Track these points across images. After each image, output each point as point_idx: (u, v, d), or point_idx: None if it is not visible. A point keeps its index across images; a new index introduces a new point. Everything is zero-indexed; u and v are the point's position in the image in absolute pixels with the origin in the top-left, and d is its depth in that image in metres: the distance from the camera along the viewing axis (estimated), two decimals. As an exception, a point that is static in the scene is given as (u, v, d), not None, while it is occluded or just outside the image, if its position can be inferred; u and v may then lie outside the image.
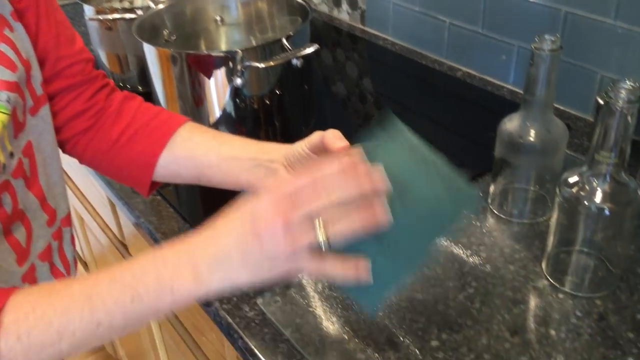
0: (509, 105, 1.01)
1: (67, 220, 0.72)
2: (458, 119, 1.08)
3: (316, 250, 0.46)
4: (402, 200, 0.47)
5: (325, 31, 1.46)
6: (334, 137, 0.56)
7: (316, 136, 0.58)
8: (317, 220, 0.45)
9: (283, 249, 0.46)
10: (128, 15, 1.07)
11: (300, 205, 0.45)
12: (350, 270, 0.47)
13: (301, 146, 0.60)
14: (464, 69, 1.21)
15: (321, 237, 0.45)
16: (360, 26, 1.43)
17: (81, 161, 0.74)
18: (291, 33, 0.91)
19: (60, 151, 0.72)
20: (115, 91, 0.74)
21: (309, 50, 0.89)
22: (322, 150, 0.57)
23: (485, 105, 1.12)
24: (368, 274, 0.47)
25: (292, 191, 0.46)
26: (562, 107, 1.05)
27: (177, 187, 0.92)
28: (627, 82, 0.59)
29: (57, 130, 0.69)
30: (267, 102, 0.95)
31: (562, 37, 1.00)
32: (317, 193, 0.45)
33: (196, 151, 0.68)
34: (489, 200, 0.84)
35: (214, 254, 0.49)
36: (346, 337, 0.66)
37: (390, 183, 0.46)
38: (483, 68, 1.18)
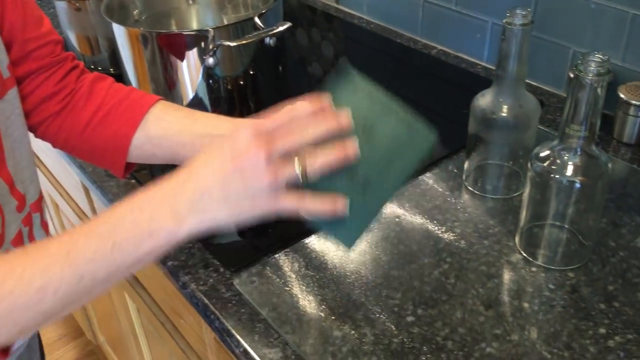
0: (484, 82, 1.01)
1: (38, 205, 0.71)
2: (433, 97, 1.08)
3: (294, 187, 0.48)
4: (367, 138, 0.51)
5: (299, 11, 1.45)
6: (302, 106, 0.56)
7: (286, 109, 0.58)
8: (294, 155, 0.47)
9: (265, 183, 0.47)
10: (97, -5, 1.05)
11: (278, 140, 0.47)
12: (328, 205, 0.49)
13: None
14: (439, 46, 1.21)
15: (299, 171, 0.47)
16: (335, 5, 1.42)
17: (54, 145, 0.72)
18: (263, 11, 0.90)
19: (30, 135, 0.70)
20: (85, 72, 0.72)
21: (282, 28, 0.88)
22: None
23: (460, 83, 1.12)
24: (344, 207, 0.50)
25: (269, 128, 0.48)
26: (535, 83, 1.06)
27: (152, 170, 0.91)
28: (597, 55, 0.59)
29: (28, 114, 0.68)
30: (241, 82, 0.94)
31: (535, 13, 1.00)
32: (292, 131, 0.48)
33: (169, 130, 0.67)
34: (464, 177, 0.84)
35: (192, 192, 0.48)
36: (323, 315, 0.67)
37: (354, 123, 0.50)
38: (457, 45, 1.18)
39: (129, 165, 0.71)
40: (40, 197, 0.72)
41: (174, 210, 0.48)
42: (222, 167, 0.48)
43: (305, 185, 0.49)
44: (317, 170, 0.48)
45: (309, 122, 0.48)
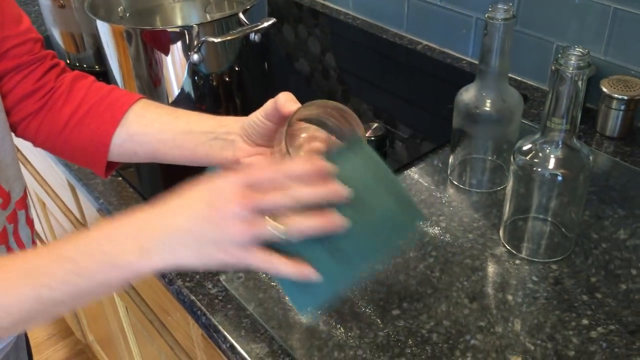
0: (469, 77, 1.01)
1: (22, 202, 0.71)
2: (419, 92, 1.09)
3: (264, 246, 0.47)
4: (355, 210, 0.48)
5: (286, 7, 1.45)
6: (285, 100, 0.56)
7: (269, 103, 0.58)
8: (275, 214, 0.46)
9: (237, 236, 0.46)
10: (81, -7, 1.04)
11: (260, 196, 0.46)
12: (297, 270, 0.47)
13: (256, 115, 0.60)
14: (424, 42, 1.22)
15: (277, 231, 0.46)
16: (321, 1, 1.42)
17: (35, 144, 0.72)
18: (248, 7, 0.90)
19: (12, 134, 0.70)
20: (66, 71, 0.72)
21: (266, 24, 0.88)
22: (276, 116, 0.57)
23: (445, 78, 1.12)
24: (313, 275, 0.48)
25: (255, 181, 0.46)
26: (519, 78, 1.06)
27: (138, 167, 0.91)
28: (577, 48, 0.60)
29: (8, 112, 0.68)
30: (227, 79, 0.94)
31: (519, 8, 1.01)
32: (279, 189, 0.46)
33: (150, 127, 0.67)
34: (448, 171, 0.85)
35: (163, 231, 0.48)
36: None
37: (347, 192, 0.47)
38: (443, 41, 1.18)
39: (111, 165, 0.70)
40: (25, 195, 0.71)
41: (142, 247, 0.48)
42: (198, 213, 0.47)
43: (279, 244, 0.47)
44: (295, 235, 0.46)
45: (300, 183, 0.46)
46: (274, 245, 0.47)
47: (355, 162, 0.51)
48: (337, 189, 0.47)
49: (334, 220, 0.47)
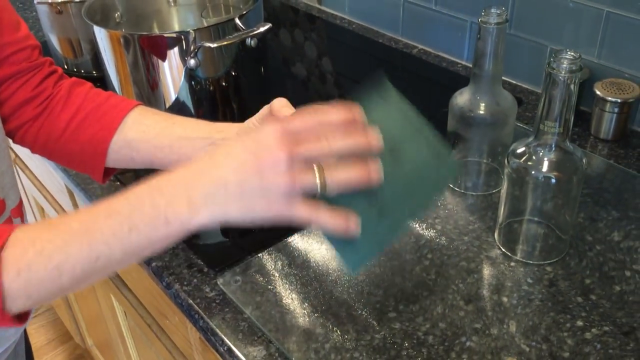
0: (464, 80, 1.02)
1: (18, 210, 0.71)
2: (414, 96, 1.08)
3: (310, 196, 0.47)
4: (393, 162, 0.48)
5: (282, 12, 1.45)
6: (280, 105, 0.56)
7: (264, 109, 0.59)
8: (316, 164, 0.46)
9: (282, 186, 0.46)
10: (78, -2, 1.05)
11: (303, 145, 0.46)
12: (340, 221, 0.48)
13: (252, 121, 0.60)
14: (420, 46, 1.23)
15: (318, 181, 0.46)
16: (317, 6, 1.43)
17: (33, 150, 0.72)
18: (244, 12, 0.90)
19: (9, 141, 0.70)
20: (63, 78, 0.73)
21: (262, 29, 0.89)
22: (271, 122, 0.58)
23: (440, 82, 1.13)
24: (357, 228, 0.48)
25: (296, 129, 0.46)
26: (514, 81, 1.07)
27: (136, 172, 0.91)
28: (569, 52, 0.61)
29: (5, 119, 0.68)
30: (223, 83, 0.95)
31: (513, 12, 1.01)
32: (319, 138, 0.46)
33: (148, 133, 0.67)
34: (444, 174, 0.85)
35: (210, 183, 0.48)
36: (306, 313, 0.67)
37: (383, 142, 0.47)
38: (438, 45, 1.19)
39: (109, 171, 0.71)
40: (21, 202, 0.72)
41: (190, 200, 0.48)
42: (243, 163, 0.47)
43: (320, 197, 0.47)
44: (336, 186, 0.47)
45: (338, 132, 0.47)
46: (316, 196, 0.47)
47: (389, 110, 0.50)
48: (374, 139, 0.47)
49: (373, 172, 0.47)
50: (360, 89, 0.51)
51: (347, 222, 0.48)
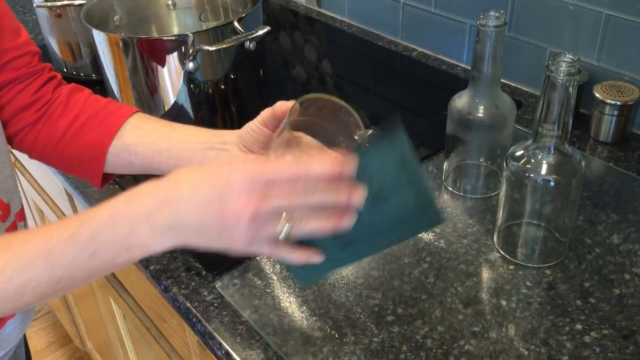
0: (463, 83, 1.02)
1: (21, 214, 0.71)
2: (414, 99, 1.09)
3: (274, 238, 0.47)
4: (373, 206, 0.47)
5: (282, 15, 1.45)
6: (282, 109, 0.57)
7: (266, 111, 0.59)
8: (284, 215, 0.45)
9: (243, 237, 0.46)
10: (77, 1, 1.05)
11: (274, 198, 0.45)
12: (303, 258, 0.48)
13: (254, 123, 0.61)
14: (419, 48, 1.22)
15: (284, 232, 0.46)
16: (317, 9, 1.43)
17: (31, 155, 0.72)
18: (243, 15, 0.91)
19: (9, 146, 0.70)
20: (63, 83, 0.72)
21: (261, 32, 0.89)
22: (273, 123, 0.58)
23: (440, 84, 1.13)
24: (318, 259, 0.49)
25: (271, 179, 0.45)
26: (513, 84, 1.07)
27: (135, 175, 0.91)
28: (567, 55, 0.61)
29: (4, 124, 0.68)
30: (222, 87, 0.95)
31: (513, 15, 1.01)
32: (295, 191, 0.45)
33: (147, 138, 0.67)
34: (443, 177, 0.85)
35: (171, 216, 0.48)
36: (304, 316, 0.67)
37: (368, 186, 0.46)
38: (437, 47, 1.19)
39: (107, 176, 0.70)
40: (22, 207, 0.72)
41: (152, 230, 0.48)
42: (205, 207, 0.46)
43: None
44: (302, 234, 0.46)
45: (317, 186, 0.45)
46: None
47: (390, 155, 0.49)
48: (354, 195, 0.45)
49: (342, 221, 0.46)
50: (375, 128, 0.51)
51: (309, 258, 0.48)
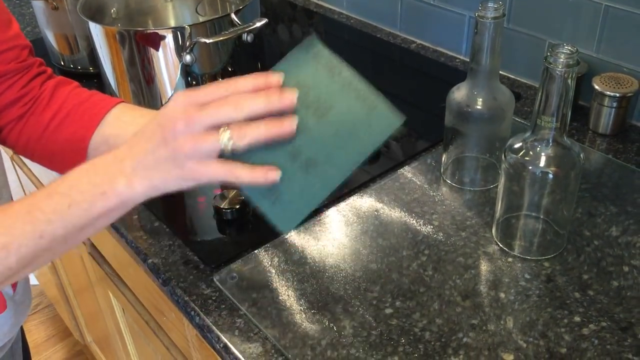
0: (462, 75, 1.01)
1: None
2: (413, 91, 1.09)
3: (225, 157, 0.49)
4: (318, 117, 0.48)
5: (280, 7, 1.45)
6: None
7: None
8: (222, 127, 0.48)
9: (184, 150, 0.48)
10: (74, -6, 1.04)
11: (207, 110, 0.48)
12: (258, 173, 0.49)
13: None
14: (418, 40, 1.22)
15: (225, 141, 0.48)
16: (315, 1, 1.42)
17: (16, 150, 0.71)
18: (240, 7, 0.90)
19: None
20: (52, 78, 0.71)
21: (258, 24, 0.88)
22: None
23: (439, 76, 1.13)
24: (277, 176, 0.49)
25: (201, 97, 0.49)
26: (513, 76, 1.07)
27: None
28: (565, 46, 0.60)
29: None
30: (220, 79, 0.94)
31: (511, 6, 1.01)
32: (226, 103, 0.48)
33: (125, 130, 0.66)
34: (442, 170, 0.85)
35: (134, 157, 0.51)
36: (302, 309, 0.67)
37: (303, 99, 0.48)
38: (436, 39, 1.19)
39: None
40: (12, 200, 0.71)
41: (122, 172, 0.51)
42: (152, 135, 0.50)
43: (236, 157, 0.49)
44: (245, 143, 0.48)
45: (248, 97, 0.48)
46: (235, 158, 0.49)
47: (316, 68, 0.50)
48: (287, 98, 0.48)
49: (286, 125, 0.48)
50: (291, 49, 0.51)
51: (265, 173, 0.49)
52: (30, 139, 0.68)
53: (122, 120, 0.67)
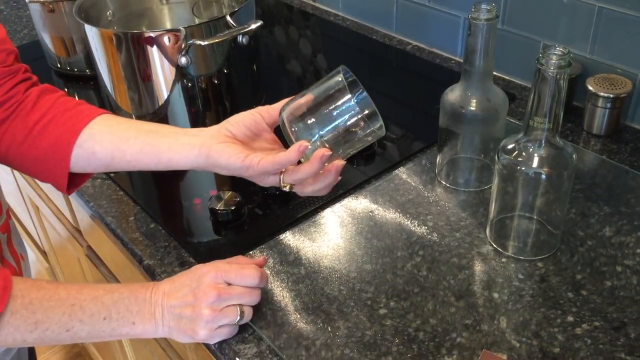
0: (457, 77, 1.02)
1: (8, 212, 0.71)
2: (408, 92, 1.09)
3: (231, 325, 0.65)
4: None
5: (276, 8, 1.45)
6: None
7: (246, 115, 0.65)
8: (237, 307, 0.64)
9: (206, 316, 0.62)
10: (70, -3, 1.05)
11: (234, 293, 0.64)
12: None
13: (226, 126, 0.64)
14: (413, 42, 1.22)
15: (238, 317, 0.64)
16: (311, 3, 1.43)
17: None
18: (236, 9, 0.90)
19: None
20: (37, 85, 0.70)
21: (254, 26, 0.89)
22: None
23: (434, 78, 1.13)
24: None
25: (225, 278, 0.64)
26: (507, 77, 1.07)
27: (130, 173, 0.91)
28: (557, 47, 0.61)
29: None
30: (216, 81, 0.95)
31: (505, 8, 1.01)
32: (245, 292, 0.65)
33: (115, 127, 0.66)
34: (436, 171, 0.85)
35: (166, 309, 0.63)
36: (297, 310, 0.67)
37: None
38: (432, 41, 1.19)
39: (74, 180, 0.68)
40: (9, 207, 0.71)
41: (153, 315, 0.62)
42: (184, 295, 0.63)
43: None
44: (249, 319, 0.66)
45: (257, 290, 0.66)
46: None
47: None
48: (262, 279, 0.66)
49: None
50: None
51: None
52: (13, 142, 0.66)
53: (112, 120, 0.67)
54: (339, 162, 0.61)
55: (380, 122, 0.59)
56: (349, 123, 0.58)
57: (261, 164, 0.60)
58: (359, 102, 0.58)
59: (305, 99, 0.60)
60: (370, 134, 0.59)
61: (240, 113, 0.64)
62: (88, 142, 0.66)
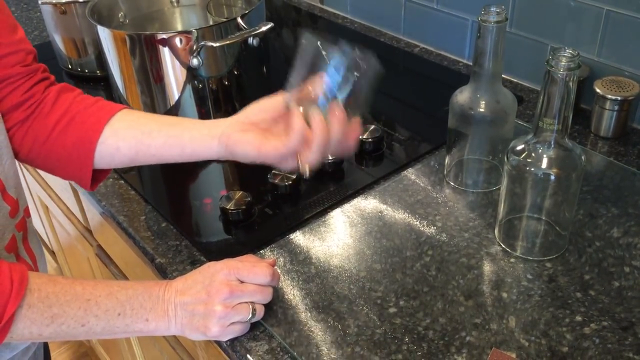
0: (465, 79, 1.03)
1: (27, 210, 0.72)
2: (416, 94, 1.10)
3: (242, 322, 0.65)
4: None
5: (285, 11, 1.46)
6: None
7: (270, 102, 0.67)
8: (249, 305, 0.64)
9: (219, 313, 0.62)
10: (82, -1, 1.06)
11: (247, 291, 0.64)
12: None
13: (246, 115, 0.66)
14: (421, 44, 1.23)
15: (250, 315, 0.64)
16: (319, 5, 1.44)
17: (19, 156, 0.70)
18: (246, 12, 0.91)
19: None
20: (54, 84, 0.71)
21: (264, 28, 0.90)
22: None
23: (442, 80, 1.14)
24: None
25: (237, 275, 0.65)
26: (515, 80, 1.08)
27: (139, 169, 0.92)
28: (567, 50, 0.61)
29: None
30: (226, 82, 0.96)
31: (514, 11, 1.02)
32: (257, 290, 0.65)
33: (136, 122, 0.68)
34: (445, 172, 0.86)
35: (179, 306, 0.63)
36: (307, 308, 0.68)
37: None
38: (439, 43, 1.20)
39: (97, 176, 0.70)
40: (27, 204, 0.72)
41: (166, 313, 0.63)
42: (197, 292, 0.63)
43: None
44: (261, 316, 0.66)
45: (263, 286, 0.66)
46: None
47: None
48: (275, 278, 0.67)
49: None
50: None
51: None
52: (35, 142, 0.68)
53: (134, 115, 0.68)
54: (356, 119, 0.64)
55: (370, 52, 0.61)
56: (346, 72, 0.60)
57: (267, 150, 0.63)
58: (341, 51, 0.60)
59: (297, 81, 0.63)
60: (370, 69, 0.61)
61: (260, 99, 0.65)
62: (111, 139, 0.67)
